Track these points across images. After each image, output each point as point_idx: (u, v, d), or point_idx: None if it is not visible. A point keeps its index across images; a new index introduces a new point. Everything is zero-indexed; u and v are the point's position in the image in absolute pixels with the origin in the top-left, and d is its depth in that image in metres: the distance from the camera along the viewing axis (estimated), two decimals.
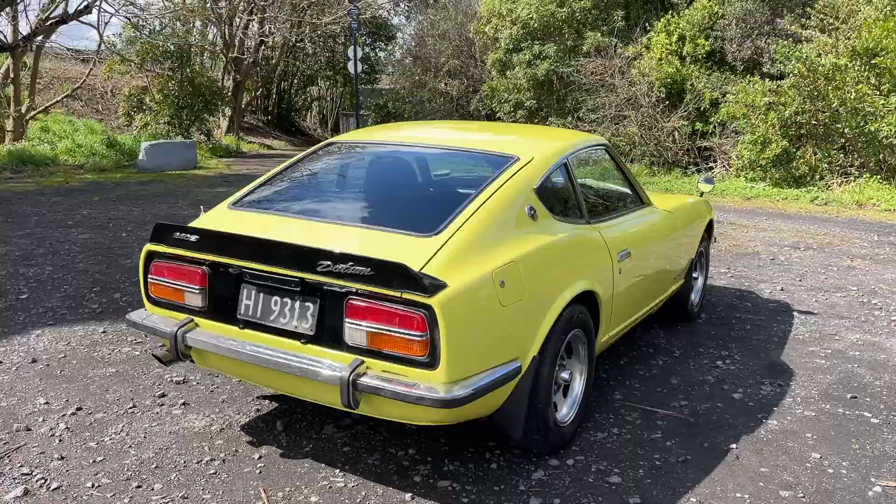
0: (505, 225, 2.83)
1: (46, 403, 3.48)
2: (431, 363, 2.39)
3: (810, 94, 12.30)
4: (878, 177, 12.16)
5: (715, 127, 15.03)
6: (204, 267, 2.84)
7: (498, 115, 18.28)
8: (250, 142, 23.75)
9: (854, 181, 12.35)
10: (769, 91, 12.76)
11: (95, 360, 4.05)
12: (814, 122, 12.54)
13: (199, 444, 3.10)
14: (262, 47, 24.69)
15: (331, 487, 2.77)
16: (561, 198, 3.26)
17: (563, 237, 3.05)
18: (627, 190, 4.10)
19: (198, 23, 23.38)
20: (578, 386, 3.21)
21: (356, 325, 2.49)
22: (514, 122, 18.13)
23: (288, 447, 3.08)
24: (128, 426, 3.26)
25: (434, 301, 2.35)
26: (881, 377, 4.06)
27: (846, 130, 12.18)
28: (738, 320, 5.13)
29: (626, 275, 3.50)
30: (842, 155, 12.63)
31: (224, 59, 23.62)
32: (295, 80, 31.07)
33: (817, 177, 12.62)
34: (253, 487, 2.76)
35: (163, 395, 3.59)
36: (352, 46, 19.78)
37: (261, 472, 2.87)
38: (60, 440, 3.11)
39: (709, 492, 2.80)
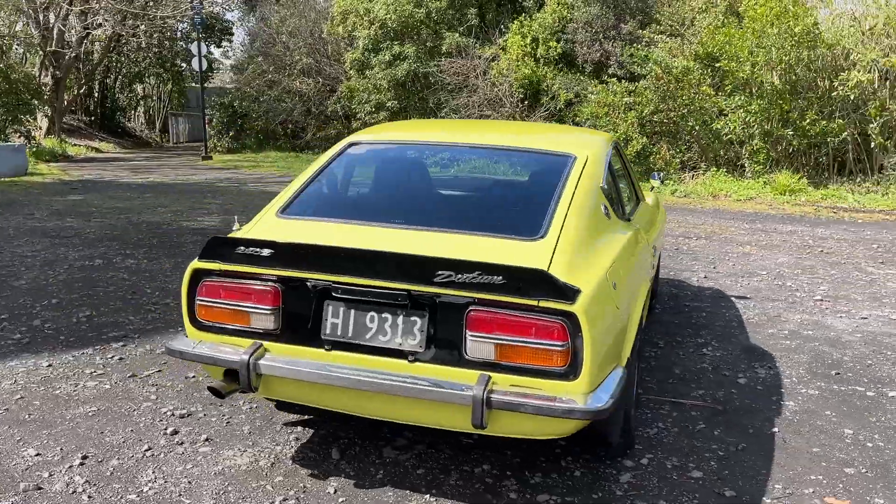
0: (596, 225, 2.77)
1: (38, 455, 2.96)
2: (570, 373, 2.28)
3: (664, 95, 13.23)
4: (724, 170, 13.32)
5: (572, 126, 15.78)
6: (276, 284, 2.53)
7: (358, 115, 18.03)
8: (75, 144, 21.67)
9: (703, 174, 13.45)
10: (628, 92, 13.58)
11: (62, 399, 3.51)
12: (666, 120, 13.50)
13: (257, 483, 2.76)
14: (86, 40, 22.61)
15: None
16: (611, 196, 3.25)
17: (631, 235, 3.04)
18: (631, 185, 4.17)
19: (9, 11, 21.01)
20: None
21: (481, 337, 2.32)
22: (375, 123, 17.99)
23: (358, 476, 2.83)
24: (159, 472, 2.84)
25: (577, 308, 2.24)
26: (845, 353, 4.43)
27: (694, 128, 13.24)
28: (688, 308, 5.39)
29: (652, 267, 3.56)
30: (690, 152, 13.73)
31: (41, 52, 21.41)
32: (120, 78, 28.82)
33: (671, 171, 13.60)
34: None
35: (175, 432, 3.17)
36: (195, 42, 18.70)
37: None
38: (90, 497, 2.65)
39: (785, 477, 2.91)
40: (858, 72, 12.31)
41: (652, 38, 14.43)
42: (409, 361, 2.42)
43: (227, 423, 3.28)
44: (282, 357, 2.54)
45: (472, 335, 2.33)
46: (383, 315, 2.44)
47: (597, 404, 2.28)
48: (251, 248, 2.51)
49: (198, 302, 2.64)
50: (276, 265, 2.50)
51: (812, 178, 12.86)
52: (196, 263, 2.62)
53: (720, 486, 2.83)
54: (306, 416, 3.33)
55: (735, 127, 13.00)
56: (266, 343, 2.57)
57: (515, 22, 16.83)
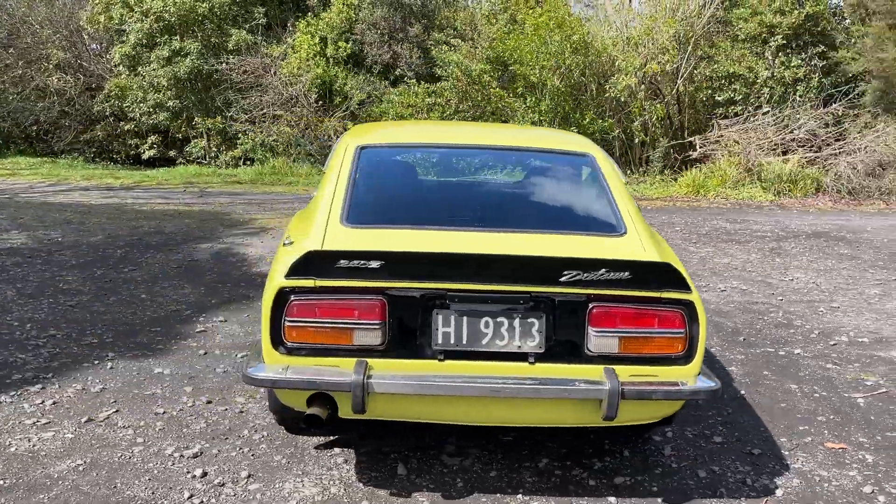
0: (643, 219, 2.97)
1: None
2: (686, 358, 2.47)
3: (463, 96, 13.89)
4: None
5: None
6: (381, 297, 2.40)
7: (132, 116, 16.56)
8: None
9: None
10: (429, 93, 14.05)
11: (28, 458, 2.96)
12: (472, 119, 14.18)
13: None
14: None
15: None
16: None
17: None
18: None
19: None
20: None
21: (605, 332, 2.43)
22: (154, 124, 16.66)
23: (439, 486, 2.77)
24: None
25: (694, 296, 2.44)
26: (735, 321, 5.11)
27: None
28: None
29: None
30: None
31: None
32: None
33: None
34: None
35: (204, 474, 2.85)
36: None
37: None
38: None
39: (780, 430, 3.36)
40: (626, 76, 13.92)
41: (449, 42, 15.02)
42: (531, 363, 2.44)
43: (253, 455, 3.01)
44: (393, 373, 2.42)
45: (595, 331, 2.42)
46: (498, 319, 2.44)
47: (710, 384, 2.49)
48: (357, 261, 2.36)
49: (287, 323, 2.42)
50: (385, 277, 2.38)
51: None
52: (283, 282, 2.40)
53: (743, 446, 3.19)
54: (331, 438, 3.16)
55: (526, 126, 14.03)
56: (370, 360, 2.43)
57: (302, 21, 16.56)
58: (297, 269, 2.38)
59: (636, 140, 14.73)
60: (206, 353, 4.24)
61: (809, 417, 3.52)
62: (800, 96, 14.21)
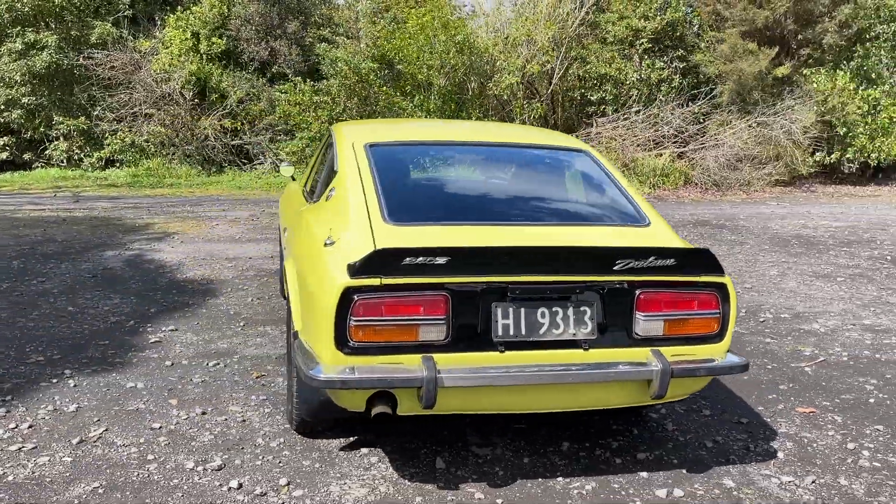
0: (655, 209, 3.15)
1: None
2: (719, 336, 2.68)
3: (350, 94, 13.81)
4: None
5: (243, 124, 15.47)
6: (444, 292, 2.43)
7: None
8: None
9: None
10: (316, 91, 13.84)
11: (29, 485, 2.73)
12: (359, 117, 14.10)
13: (402, 501, 2.60)
14: None
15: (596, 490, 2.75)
16: None
17: None
18: None
19: None
20: None
21: (651, 316, 2.59)
22: (5, 123, 15.30)
23: (486, 477, 2.83)
24: None
25: (727, 279, 2.65)
26: None
27: None
28: None
29: None
30: None
31: None
32: None
33: None
34: None
35: (240, 486, 2.74)
36: None
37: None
38: None
39: (755, 400, 3.69)
40: (509, 75, 14.38)
41: (332, 39, 14.85)
42: (585, 349, 2.56)
43: (280, 462, 2.93)
44: (459, 367, 2.46)
45: (642, 315, 2.58)
46: (554, 309, 2.53)
47: (740, 359, 2.71)
48: (423, 258, 2.37)
49: (352, 323, 2.39)
50: (449, 272, 2.41)
51: None
52: (349, 282, 2.37)
53: (731, 417, 3.47)
54: (351, 439, 3.13)
55: (504, 123, 14.16)
56: (434, 355, 2.45)
57: (171, 16, 15.80)
58: (363, 269, 2.36)
59: None
60: (172, 364, 4.04)
61: (773, 387, 3.87)
62: (664, 96, 15.26)
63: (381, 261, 2.36)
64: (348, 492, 2.71)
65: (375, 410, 2.47)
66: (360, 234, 2.61)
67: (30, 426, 3.23)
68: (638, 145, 14.09)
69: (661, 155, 13.72)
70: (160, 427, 3.24)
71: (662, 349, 2.60)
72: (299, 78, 14.38)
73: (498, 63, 14.89)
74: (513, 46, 15.00)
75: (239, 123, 15.25)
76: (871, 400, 3.71)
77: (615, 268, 2.52)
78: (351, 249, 2.54)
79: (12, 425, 3.23)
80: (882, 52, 15.00)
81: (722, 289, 2.64)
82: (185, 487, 2.73)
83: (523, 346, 2.52)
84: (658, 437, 3.23)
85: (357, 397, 2.51)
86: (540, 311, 2.52)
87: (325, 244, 2.66)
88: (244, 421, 3.32)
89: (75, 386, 3.69)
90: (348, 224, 2.69)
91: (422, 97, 14.07)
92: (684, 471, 2.94)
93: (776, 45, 14.00)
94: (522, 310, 2.51)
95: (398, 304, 2.41)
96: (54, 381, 3.76)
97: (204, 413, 3.39)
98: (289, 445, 3.08)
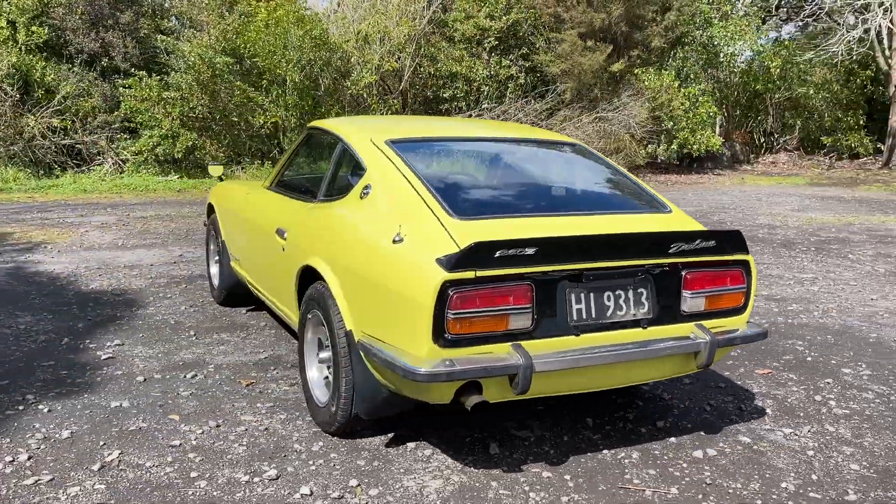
0: None
1: None
2: (743, 309, 3.01)
3: (204, 89, 13.18)
4: (270, 163, 14.03)
5: (73, 122, 14.27)
6: (529, 281, 2.54)
7: None
8: None
9: (248, 169, 13.91)
10: (165, 86, 13.06)
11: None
12: (208, 115, 13.49)
13: (484, 493, 2.67)
14: None
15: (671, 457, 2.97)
16: None
17: None
18: None
19: None
20: None
21: (695, 294, 2.85)
22: None
23: (543, 458, 2.96)
24: None
25: (750, 257, 2.97)
26: None
27: (241, 123, 13.60)
28: None
29: None
30: (236, 146, 14.01)
31: None
32: None
33: (232, 167, 13.67)
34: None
35: (311, 493, 2.67)
36: None
37: (580, 485, 2.79)
38: None
39: (721, 366, 4.10)
40: (367, 73, 14.40)
41: (179, 31, 14.04)
42: (644, 328, 2.77)
43: (334, 465, 2.88)
44: (544, 352, 2.57)
45: (688, 293, 2.83)
46: (617, 292, 2.72)
47: (759, 328, 3.05)
48: (514, 249, 2.46)
49: (450, 316, 2.43)
50: (533, 262, 2.52)
51: None
52: (447, 276, 2.40)
53: (709, 382, 3.86)
54: (390, 435, 3.14)
55: (276, 120, 13.78)
56: (521, 343, 2.55)
57: None
58: (460, 263, 2.40)
59: None
60: (146, 380, 3.78)
61: (727, 355, 4.31)
62: (511, 93, 15.99)
63: (476, 254, 2.42)
64: (425, 485, 2.73)
65: (472, 401, 2.52)
66: (433, 230, 2.64)
67: (29, 457, 2.92)
68: None
69: None
70: (181, 444, 3.05)
71: (704, 323, 2.87)
72: (144, 72, 13.47)
73: (353, 59, 14.86)
74: (366, 42, 15.01)
75: (69, 122, 14.00)
76: (809, 358, 4.26)
77: (670, 251, 2.75)
78: (427, 245, 2.57)
79: (8, 458, 2.90)
80: (696, 53, 16.68)
81: (746, 265, 2.96)
82: (254, 500, 2.62)
83: (594, 328, 2.68)
84: (662, 407, 3.53)
85: (446, 389, 2.55)
86: (606, 294, 2.70)
87: (394, 241, 2.66)
88: (266, 430, 3.21)
89: (50, 411, 3.36)
90: (417, 221, 2.70)
91: (278, 92, 13.73)
92: (702, 433, 3.24)
93: (611, 44, 15.13)
94: (592, 294, 2.67)
95: (490, 296, 2.48)
96: (20, 408, 3.39)
97: (218, 426, 3.23)
98: (331, 448, 3.03)
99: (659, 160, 16.50)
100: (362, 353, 2.79)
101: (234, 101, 13.41)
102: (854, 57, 18.22)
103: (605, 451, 3.04)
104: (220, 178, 5.38)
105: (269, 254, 3.77)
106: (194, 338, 4.48)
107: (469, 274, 2.43)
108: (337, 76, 14.86)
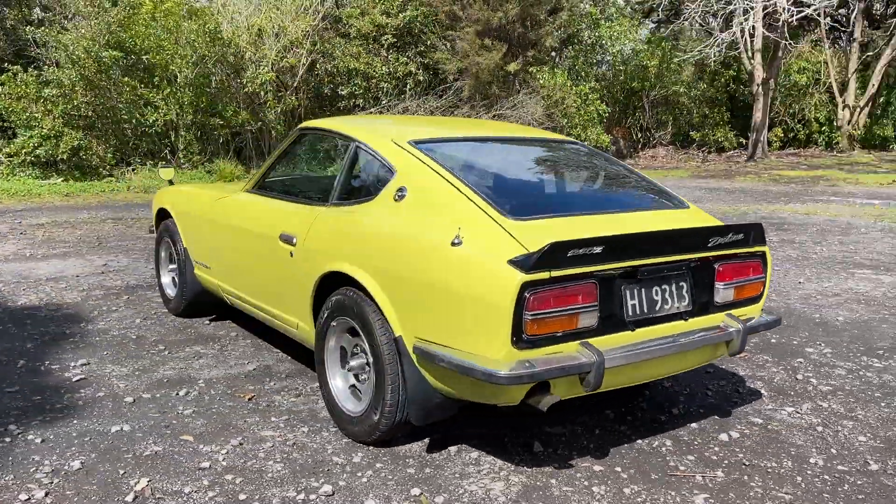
0: None
1: None
2: (760, 297, 3.18)
3: (88, 85, 12.34)
4: (162, 163, 13.32)
5: None
6: (593, 280, 2.58)
7: None
8: None
9: (139, 169, 13.16)
10: (44, 83, 12.12)
11: None
12: (93, 113, 12.64)
13: (548, 491, 2.68)
14: None
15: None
16: None
17: None
18: None
19: None
20: None
21: (726, 285, 2.99)
22: None
23: (586, 451, 3.01)
24: None
25: (766, 248, 3.15)
26: None
27: (130, 120, 12.83)
28: None
29: None
30: (126, 146, 13.19)
31: None
32: None
33: (107, 167, 12.86)
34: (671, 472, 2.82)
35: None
36: None
37: (633, 475, 2.86)
38: None
39: None
40: (264, 70, 13.98)
41: (55, 22, 13.01)
42: (685, 320, 2.88)
43: (383, 476, 2.80)
44: (609, 347, 2.61)
45: (721, 285, 2.97)
46: (663, 287, 2.81)
47: (774, 315, 3.23)
48: (584, 249, 2.49)
49: (527, 318, 2.42)
50: (598, 261, 2.56)
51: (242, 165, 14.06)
52: (526, 277, 2.39)
53: (698, 369, 4.04)
54: (426, 440, 3.09)
55: (168, 117, 13.10)
56: (588, 340, 2.59)
57: None
58: (538, 264, 2.40)
59: (273, 133, 14.87)
60: (135, 401, 3.52)
61: None
62: (410, 90, 16.00)
63: (552, 255, 2.42)
64: (487, 487, 2.71)
65: (548, 401, 2.53)
66: (493, 232, 2.61)
67: (46, 494, 2.65)
68: None
69: None
70: (210, 466, 2.87)
71: (732, 312, 3.02)
72: (19, 67, 12.41)
73: (247, 55, 14.37)
74: (259, 37, 14.56)
75: None
76: (773, 341, 4.55)
77: (709, 244, 2.86)
78: (492, 247, 2.55)
79: (22, 496, 2.63)
80: (584, 54, 17.34)
81: (764, 256, 3.13)
82: None
83: (646, 322, 2.76)
84: (669, 394, 3.67)
85: (519, 391, 2.54)
86: (654, 289, 2.78)
87: (453, 244, 2.61)
88: (294, 444, 3.07)
89: (44, 441, 3.07)
90: (472, 223, 2.66)
91: (172, 89, 13.06)
92: (716, 416, 3.40)
93: (507, 43, 15.46)
94: (643, 290, 2.75)
95: (563, 296, 2.49)
96: (8, 440, 3.08)
97: (241, 444, 3.06)
98: (373, 458, 2.94)
99: None
100: (416, 358, 2.73)
101: (123, 98, 12.63)
102: (720, 59, 19.53)
103: (638, 441, 3.13)
104: (170, 182, 5.07)
105: (267, 261, 3.60)
106: (166, 352, 4.20)
107: (544, 274, 2.43)
108: (230, 72, 14.32)
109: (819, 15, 18.48)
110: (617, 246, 2.60)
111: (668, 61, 19.79)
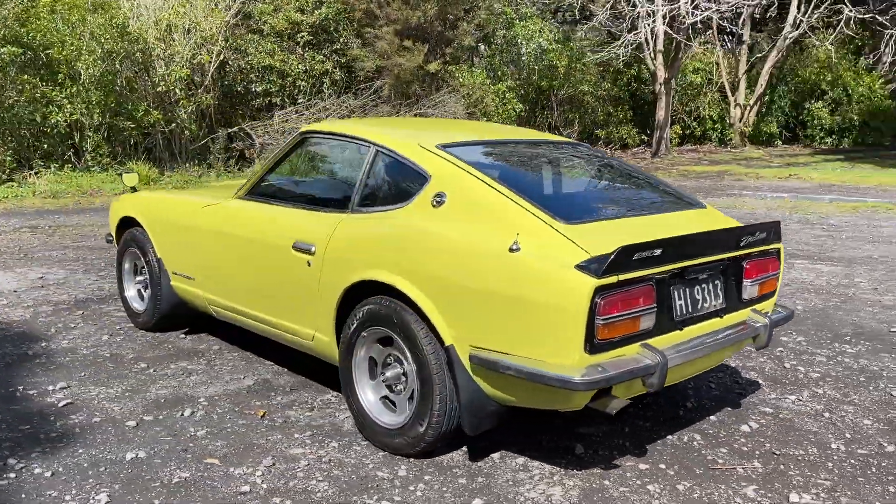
0: None
1: None
2: (774, 292, 3.31)
3: None
4: (69, 166, 12.53)
5: None
6: (651, 283, 2.61)
7: None
8: None
9: (43, 173, 12.33)
10: None
11: None
12: None
13: (614, 492, 2.70)
14: None
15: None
16: None
17: None
18: None
19: None
20: None
21: (753, 281, 3.09)
22: None
23: (626, 451, 3.04)
24: None
25: (781, 245, 3.29)
26: None
27: (32, 122, 12.00)
28: None
29: None
30: (26, 149, 12.32)
31: None
32: None
33: (7, 171, 11.98)
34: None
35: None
36: None
37: (680, 471, 2.92)
38: None
39: None
40: (179, 67, 13.39)
41: None
42: (721, 317, 2.97)
43: (438, 488, 2.74)
44: (665, 347, 2.65)
45: (748, 282, 3.07)
46: (703, 286, 2.88)
47: (788, 309, 3.37)
48: (647, 252, 2.52)
49: (599, 322, 2.42)
50: (657, 263, 2.59)
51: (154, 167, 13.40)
52: (597, 282, 2.39)
53: None
54: (464, 449, 3.05)
55: (75, 117, 12.32)
56: (647, 342, 2.62)
57: None
58: (609, 268, 2.41)
59: (186, 133, 14.27)
60: (137, 424, 3.30)
61: None
62: (327, 88, 15.71)
63: (621, 259, 2.44)
64: (547, 493, 2.70)
65: (617, 404, 2.55)
66: (550, 237, 2.59)
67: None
68: None
69: None
70: (251, 490, 2.73)
71: (756, 307, 3.14)
72: None
73: (156, 51, 13.72)
74: (169, 33, 13.92)
75: None
76: None
77: (741, 244, 2.96)
78: (554, 252, 2.53)
79: None
80: (500, 53, 17.57)
81: (779, 253, 3.26)
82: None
83: (691, 321, 2.82)
84: (676, 388, 3.77)
85: (585, 396, 2.54)
86: (695, 289, 2.85)
87: (511, 250, 2.58)
88: (331, 461, 2.96)
89: (54, 475, 2.82)
90: (527, 228, 2.63)
91: (77, 87, 12.29)
92: (729, 408, 3.52)
93: (427, 43, 15.45)
94: (688, 290, 2.81)
95: (629, 299, 2.51)
96: (12, 475, 2.81)
97: (274, 464, 2.92)
98: (419, 471, 2.87)
99: None
100: (471, 367, 2.68)
101: (24, 97, 11.77)
102: (627, 59, 20.24)
103: (669, 437, 3.19)
104: (133, 189, 4.77)
105: (276, 271, 3.44)
106: (151, 370, 3.95)
107: (613, 279, 2.45)
108: (138, 70, 13.63)
109: (722, 20, 19.44)
110: (673, 248, 2.64)
111: (577, 61, 20.31)
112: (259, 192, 3.75)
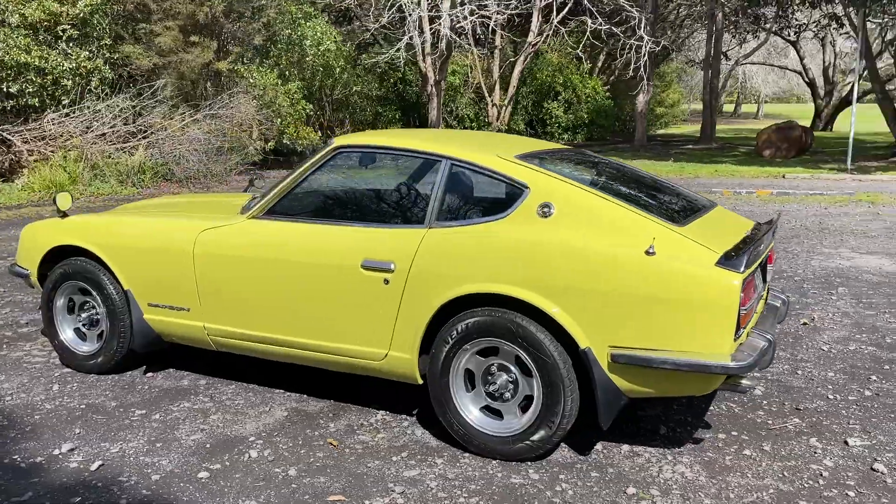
0: None
1: None
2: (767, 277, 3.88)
3: None
4: None
5: None
6: (753, 275, 2.98)
7: None
8: None
9: None
10: None
11: None
12: None
13: (681, 493, 3.03)
14: None
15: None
16: None
17: None
18: None
19: None
20: None
21: (771, 266, 3.62)
22: None
23: (658, 442, 3.39)
24: None
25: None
26: None
27: None
28: None
29: None
30: None
31: None
32: None
33: None
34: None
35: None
36: None
37: (752, 438, 3.34)
38: None
39: None
40: None
41: None
42: (763, 297, 3.44)
43: (592, 486, 2.88)
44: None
45: (770, 267, 3.59)
46: (757, 272, 3.32)
47: (783, 294, 3.95)
48: (754, 248, 2.90)
49: (742, 312, 2.74)
50: (756, 258, 2.97)
51: None
52: (742, 276, 2.70)
53: None
54: (564, 448, 3.20)
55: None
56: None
57: None
58: (747, 264, 2.74)
59: None
60: (210, 476, 2.97)
61: None
62: (95, 87, 14.20)
63: (740, 257, 2.78)
64: (678, 472, 2.95)
65: (747, 383, 2.87)
66: (675, 239, 2.82)
67: None
68: (109, 141, 12.92)
69: (133, 152, 12.95)
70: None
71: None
72: None
73: None
74: None
75: None
76: None
77: (773, 235, 3.46)
78: (687, 253, 2.79)
79: None
80: (288, 53, 17.17)
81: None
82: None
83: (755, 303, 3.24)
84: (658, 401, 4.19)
85: (721, 378, 2.84)
86: (756, 275, 3.28)
87: (647, 254, 2.78)
88: (456, 478, 2.93)
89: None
90: (653, 233, 2.85)
91: None
92: (736, 408, 4.03)
93: (217, 40, 14.63)
94: (755, 278, 3.23)
95: (748, 289, 2.86)
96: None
97: (404, 492, 2.83)
98: (549, 473, 2.96)
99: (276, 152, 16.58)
100: (609, 366, 2.84)
101: None
102: (402, 61, 20.88)
103: (697, 433, 3.60)
104: (64, 214, 4.09)
105: (336, 294, 3.24)
106: (157, 416, 3.50)
107: (748, 272, 2.78)
108: None
109: (483, 26, 20.71)
110: (758, 244, 3.04)
111: (352, 63, 20.50)
112: (284, 210, 3.49)
